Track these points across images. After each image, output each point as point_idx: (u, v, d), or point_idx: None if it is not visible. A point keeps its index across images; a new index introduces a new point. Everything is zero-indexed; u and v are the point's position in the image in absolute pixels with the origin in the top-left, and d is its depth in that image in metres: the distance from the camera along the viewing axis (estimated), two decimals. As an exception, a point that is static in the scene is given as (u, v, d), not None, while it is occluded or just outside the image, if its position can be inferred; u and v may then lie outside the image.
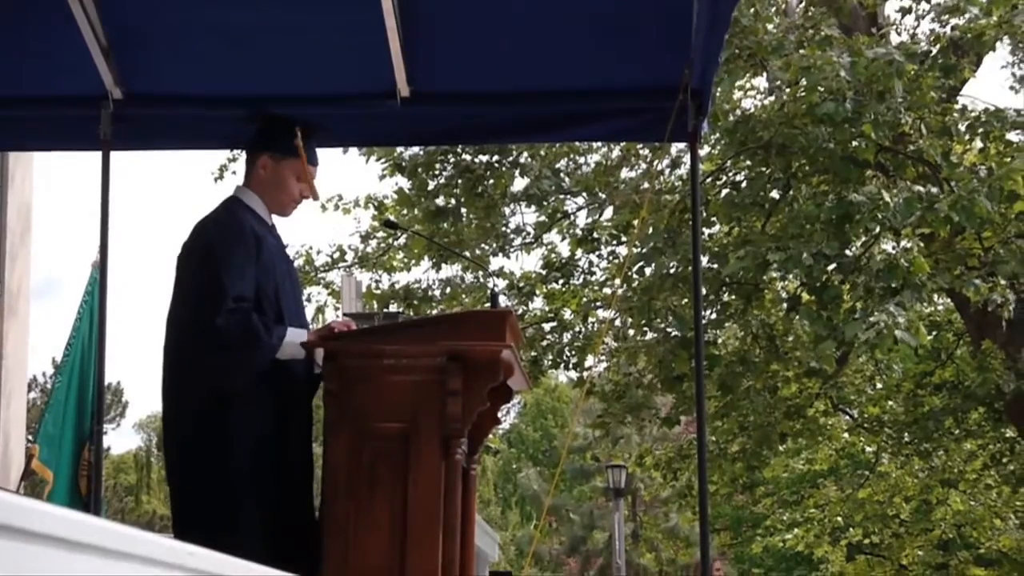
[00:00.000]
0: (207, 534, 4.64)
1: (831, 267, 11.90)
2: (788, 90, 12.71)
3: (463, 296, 15.57)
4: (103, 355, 7.16)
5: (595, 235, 15.20)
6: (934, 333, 17.60)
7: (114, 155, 6.80)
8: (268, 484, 4.88)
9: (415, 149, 14.49)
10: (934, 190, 11.75)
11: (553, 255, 15.73)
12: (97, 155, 6.80)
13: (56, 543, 1.89)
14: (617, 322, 14.92)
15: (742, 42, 12.85)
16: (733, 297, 13.80)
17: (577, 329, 15.61)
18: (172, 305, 5.08)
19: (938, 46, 13.16)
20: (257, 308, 4.96)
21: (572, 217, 15.82)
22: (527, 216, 15.63)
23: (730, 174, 13.88)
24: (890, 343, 10.96)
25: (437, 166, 14.76)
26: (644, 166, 15.31)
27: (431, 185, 14.80)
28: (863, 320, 11.15)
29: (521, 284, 15.51)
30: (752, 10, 13.01)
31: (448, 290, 15.58)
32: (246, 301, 4.93)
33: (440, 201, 14.88)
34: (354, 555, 4.74)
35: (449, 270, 15.62)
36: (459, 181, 14.72)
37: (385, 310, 15.23)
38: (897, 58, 11.49)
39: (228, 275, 4.93)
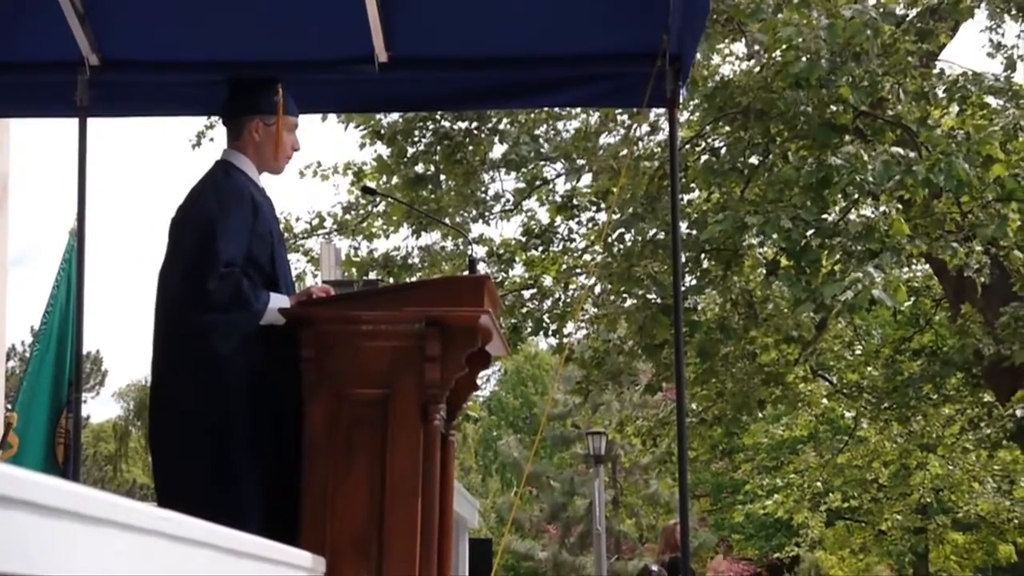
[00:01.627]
0: (195, 496, 4.66)
1: (810, 231, 11.91)
2: (766, 55, 12.71)
3: (443, 264, 15.55)
4: (81, 323, 7.14)
5: (575, 202, 15.20)
6: (912, 299, 17.65)
7: (91, 122, 6.77)
8: (258, 446, 4.89)
9: (393, 116, 14.46)
10: (912, 154, 11.76)
11: (533, 222, 15.72)
12: (74, 122, 6.78)
13: (32, 508, 1.89)
14: (597, 289, 14.93)
15: (719, 6, 12.84)
16: (713, 263, 13.81)
17: (557, 296, 15.61)
18: (165, 266, 5.09)
19: (915, 10, 13.17)
20: (246, 273, 4.97)
21: (551, 184, 15.81)
22: (506, 183, 15.62)
23: (709, 140, 13.87)
24: (867, 303, 10.98)
25: (416, 133, 14.72)
26: (623, 132, 15.29)
27: (410, 152, 14.77)
28: (841, 281, 11.17)
29: (501, 251, 15.51)
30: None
31: (428, 258, 15.56)
32: (236, 266, 4.94)
33: (419, 168, 14.85)
34: (332, 520, 4.74)
35: (428, 237, 15.62)
36: (438, 148, 14.69)
37: (364, 278, 15.20)
38: (873, 15, 11.49)
39: (222, 240, 4.96)
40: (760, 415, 18.05)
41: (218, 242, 4.95)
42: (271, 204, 5.32)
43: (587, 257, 15.38)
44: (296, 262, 15.88)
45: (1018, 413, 13.65)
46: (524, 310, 15.51)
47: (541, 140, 15.14)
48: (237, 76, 5.53)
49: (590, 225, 15.48)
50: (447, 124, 14.70)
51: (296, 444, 4.87)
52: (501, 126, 14.87)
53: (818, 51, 11.59)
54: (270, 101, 5.32)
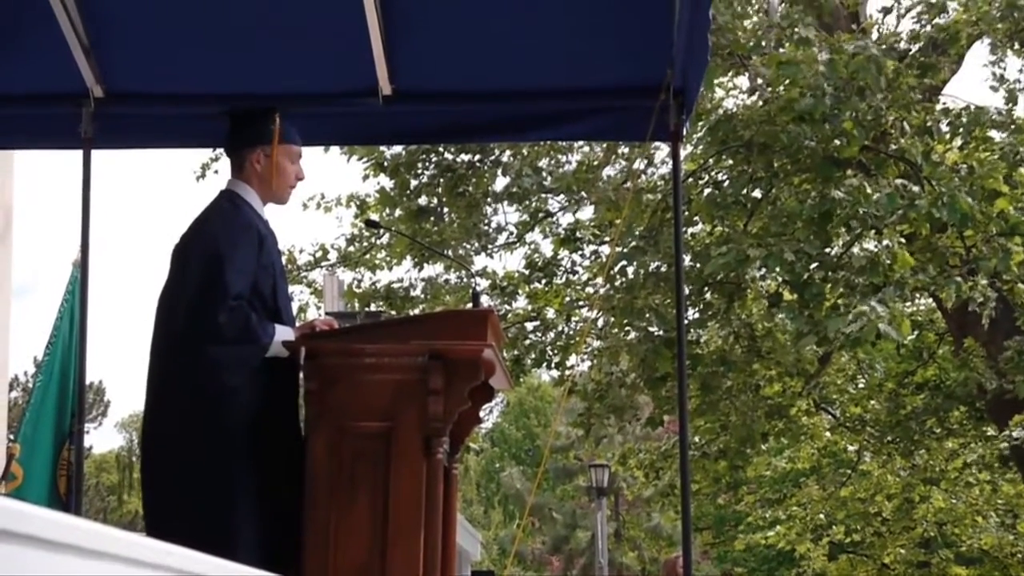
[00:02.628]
0: (191, 526, 4.63)
1: (813, 265, 11.91)
2: (769, 89, 12.73)
3: (445, 296, 15.56)
4: (84, 354, 7.14)
5: (578, 234, 15.21)
6: (916, 332, 17.63)
7: (95, 153, 6.79)
8: (256, 480, 4.87)
9: (397, 148, 14.49)
10: (915, 188, 11.77)
11: (536, 255, 15.72)
12: (78, 154, 6.79)
13: (36, 543, 1.89)
14: (600, 322, 14.92)
15: (719, 40, 12.87)
16: (715, 296, 13.81)
17: (560, 328, 15.61)
18: (168, 295, 5.05)
19: (917, 45, 13.21)
20: (252, 305, 4.96)
21: (555, 216, 15.82)
22: (509, 216, 15.63)
23: (712, 173, 13.89)
24: (872, 336, 10.96)
25: (419, 165, 14.75)
26: (626, 164, 15.32)
27: (413, 184, 14.79)
28: (845, 315, 11.16)
29: (504, 284, 15.51)
30: (731, 9, 13.04)
31: (430, 290, 15.57)
32: (244, 299, 4.93)
33: (422, 200, 14.87)
34: (335, 554, 4.73)
35: (431, 270, 15.62)
36: (441, 180, 14.71)
37: (367, 309, 15.21)
38: (874, 52, 11.52)
39: (230, 272, 4.94)
40: (763, 448, 18.02)
41: (226, 274, 4.93)
42: (274, 237, 5.31)
43: (590, 290, 15.37)
44: (299, 294, 15.89)
45: (1015, 435, 13.62)
46: (527, 342, 15.50)
47: (544, 173, 15.16)
48: (235, 108, 5.51)
49: (593, 258, 15.49)
50: (450, 156, 14.73)
51: (298, 477, 4.85)
52: (504, 159, 14.89)
53: (820, 87, 11.61)
54: (267, 130, 5.30)
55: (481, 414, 5.48)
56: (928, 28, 13.28)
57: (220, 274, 4.93)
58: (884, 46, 11.90)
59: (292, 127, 5.39)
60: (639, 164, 14.95)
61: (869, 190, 11.34)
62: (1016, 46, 13.95)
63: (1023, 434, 13.48)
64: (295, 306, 15.77)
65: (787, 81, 11.97)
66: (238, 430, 4.86)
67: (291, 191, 5.39)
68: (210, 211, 5.22)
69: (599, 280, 14.81)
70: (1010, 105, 13.05)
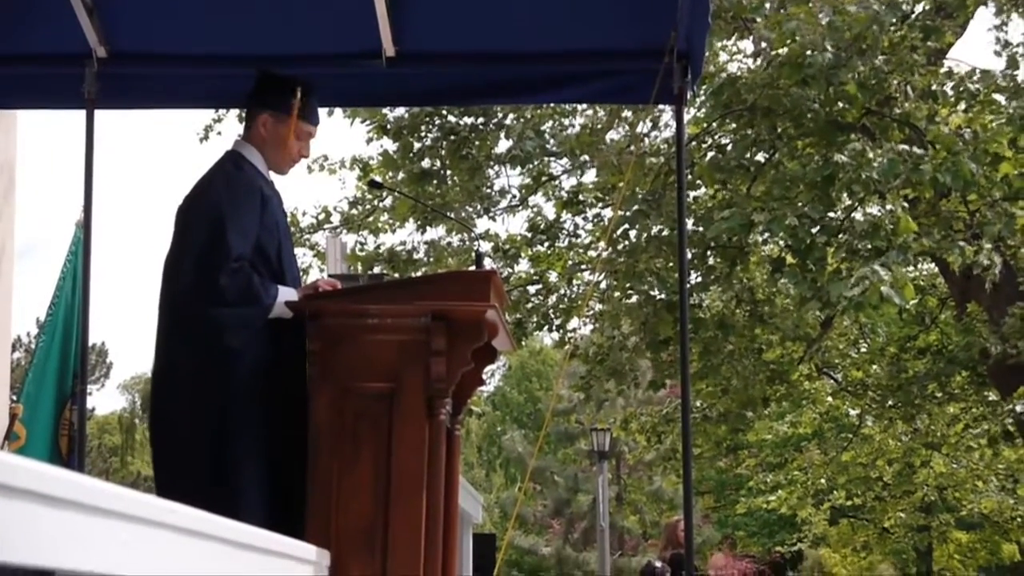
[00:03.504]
0: (196, 486, 4.65)
1: (816, 229, 11.89)
2: (773, 52, 12.70)
3: (448, 259, 15.55)
4: (87, 315, 7.15)
5: (580, 197, 15.19)
6: (919, 297, 17.65)
7: (98, 113, 6.78)
8: (263, 440, 4.88)
9: (400, 111, 14.46)
10: (919, 152, 11.75)
11: (539, 218, 15.71)
12: (81, 113, 6.79)
13: (37, 499, 1.89)
14: (603, 285, 14.92)
15: (722, 3, 12.84)
16: (718, 260, 13.80)
17: (562, 292, 15.61)
18: (172, 257, 5.06)
19: (921, 7, 13.16)
20: (254, 266, 4.96)
21: (558, 180, 15.81)
22: (512, 179, 15.63)
23: (715, 137, 13.86)
24: (875, 300, 10.94)
25: (422, 128, 14.72)
26: (629, 128, 15.29)
27: (416, 147, 14.77)
28: (848, 279, 11.15)
29: (506, 246, 15.51)
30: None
31: (433, 252, 15.57)
32: (246, 259, 4.94)
33: (425, 163, 14.85)
34: (337, 514, 4.74)
35: (434, 232, 15.61)
36: (444, 143, 14.69)
37: (370, 272, 15.20)
38: (875, 7, 11.48)
39: (233, 233, 4.94)
40: (764, 412, 18.05)
41: (228, 235, 4.93)
42: (279, 197, 5.30)
43: (592, 253, 15.37)
44: (302, 256, 15.88)
45: (1019, 408, 13.63)
46: (529, 305, 15.51)
47: (547, 136, 15.14)
48: (264, 70, 5.49)
49: (596, 221, 15.48)
50: (453, 119, 14.71)
51: (302, 437, 4.87)
52: (507, 121, 14.87)
53: (822, 45, 11.58)
54: (283, 100, 5.28)
55: (483, 376, 5.48)
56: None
57: (222, 236, 4.93)
58: (886, 6, 11.84)
59: (313, 105, 5.37)
60: (643, 127, 14.93)
61: (871, 154, 11.31)
62: (1021, 10, 13.91)
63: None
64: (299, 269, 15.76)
65: (788, 41, 11.93)
66: (241, 391, 4.87)
67: (292, 165, 5.37)
68: (213, 172, 5.22)
69: (602, 243, 14.80)
70: (1012, 70, 13.01)
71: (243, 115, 5.48)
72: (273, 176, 5.34)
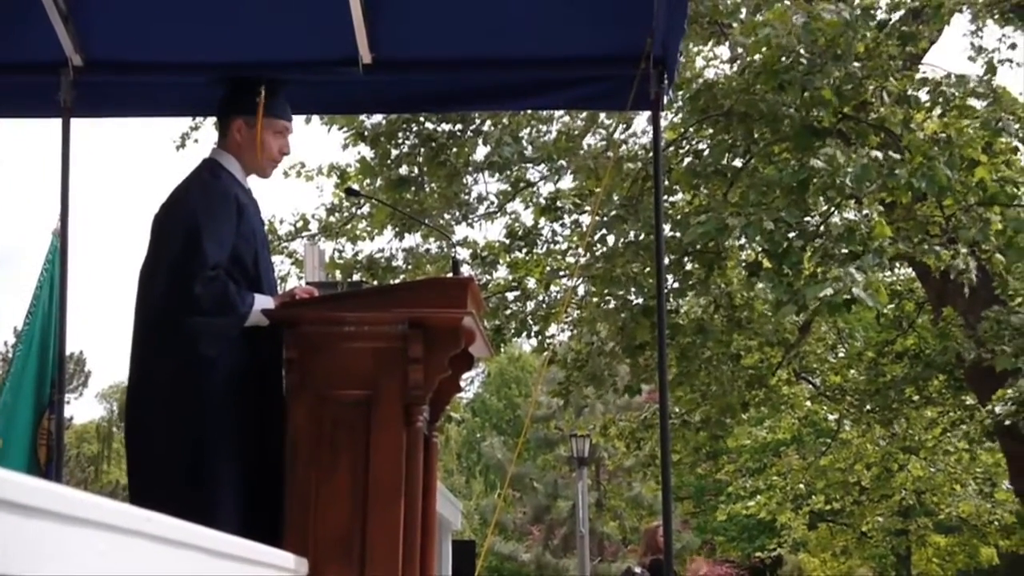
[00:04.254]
0: (170, 495, 4.64)
1: (792, 234, 11.92)
2: (748, 58, 12.73)
3: (427, 266, 15.55)
4: (64, 324, 7.13)
5: (558, 204, 15.20)
6: (895, 301, 17.69)
7: (74, 122, 6.76)
8: (239, 448, 4.88)
9: (377, 118, 14.46)
10: (895, 156, 11.79)
11: (517, 224, 15.71)
12: (57, 122, 6.77)
13: (13, 508, 1.89)
14: (580, 290, 14.94)
15: (698, 7, 12.87)
16: (695, 265, 13.82)
17: (540, 298, 15.62)
18: (147, 266, 5.06)
19: (898, 14, 13.20)
20: (230, 275, 4.96)
21: (535, 186, 15.82)
22: (490, 185, 15.63)
23: (692, 142, 13.89)
24: (846, 302, 10.98)
25: (399, 135, 14.72)
26: (606, 134, 15.31)
27: (393, 154, 14.76)
28: (823, 282, 11.17)
29: (484, 253, 15.50)
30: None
31: (411, 260, 15.56)
32: (222, 268, 4.93)
33: (403, 170, 14.85)
34: (315, 521, 4.74)
35: (412, 239, 15.60)
36: (421, 150, 14.69)
37: (348, 280, 15.19)
38: (847, 17, 11.51)
39: (208, 241, 4.94)
40: (743, 418, 18.07)
41: (204, 244, 4.93)
42: (256, 205, 5.30)
43: (570, 259, 15.38)
44: (280, 264, 15.86)
45: (997, 410, 13.66)
46: (508, 312, 15.51)
47: (524, 142, 15.15)
48: (229, 76, 5.50)
49: (573, 227, 15.49)
50: (431, 126, 14.71)
51: (278, 446, 4.86)
52: (485, 128, 14.87)
53: (795, 50, 11.62)
54: (252, 102, 5.30)
55: (462, 383, 5.49)
56: (909, -2, 13.28)
57: (198, 244, 4.93)
58: (860, 12, 11.88)
59: (280, 101, 5.38)
60: (619, 133, 14.95)
61: (842, 159, 11.33)
62: (996, 15, 13.97)
63: (1005, 409, 13.50)
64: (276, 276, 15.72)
65: (764, 48, 11.96)
66: (217, 400, 4.86)
67: (273, 165, 5.38)
68: (189, 181, 5.22)
69: (580, 249, 14.81)
70: (988, 76, 13.05)
71: (218, 123, 5.49)
72: (252, 183, 5.34)
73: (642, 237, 13.14)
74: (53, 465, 7.94)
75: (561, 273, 15.53)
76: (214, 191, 5.13)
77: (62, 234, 7.00)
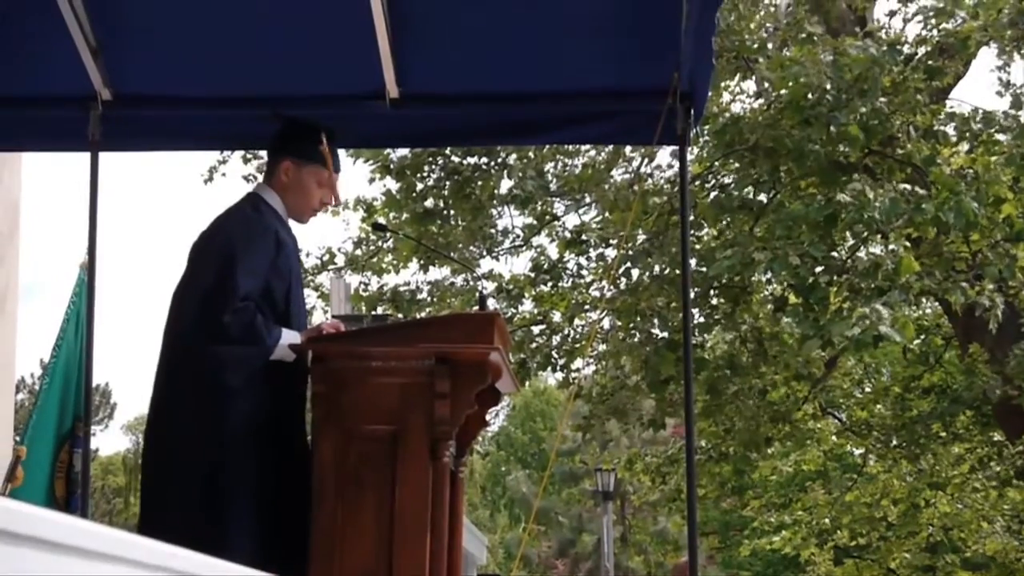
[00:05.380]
0: (185, 526, 4.61)
1: (818, 269, 11.90)
2: (774, 93, 12.73)
3: (452, 299, 15.55)
4: (91, 357, 7.14)
5: (583, 237, 15.19)
6: (922, 337, 17.62)
7: (103, 156, 6.79)
8: (257, 479, 4.87)
9: (403, 151, 14.48)
10: (922, 192, 11.77)
11: (542, 257, 15.70)
12: (86, 156, 6.80)
13: (38, 544, 1.88)
14: (606, 324, 14.91)
15: (724, 43, 12.87)
16: (721, 300, 13.80)
17: (566, 332, 15.59)
18: (179, 291, 5.08)
19: (924, 48, 13.20)
20: (260, 308, 4.96)
21: (560, 220, 15.82)
22: (516, 219, 15.63)
23: (718, 176, 13.88)
24: (873, 340, 10.94)
25: (425, 168, 14.74)
26: (633, 168, 15.32)
27: (419, 187, 14.79)
28: (849, 318, 11.14)
29: (510, 287, 15.49)
30: (735, 12, 13.06)
31: (436, 293, 15.56)
32: (252, 300, 4.93)
33: (428, 203, 14.87)
34: (341, 556, 4.73)
35: (437, 272, 15.61)
36: (447, 183, 14.71)
37: (373, 312, 15.19)
38: (874, 53, 11.50)
39: (242, 273, 4.95)
40: (769, 452, 18.01)
41: (237, 274, 4.94)
42: (295, 242, 5.30)
43: (595, 293, 15.36)
44: (306, 297, 15.85)
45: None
46: (533, 345, 15.48)
47: (549, 176, 15.16)
48: (284, 115, 5.49)
49: (599, 261, 15.47)
50: (456, 159, 14.73)
51: (302, 480, 4.85)
52: (510, 161, 14.88)
53: (822, 86, 11.62)
54: (307, 145, 5.28)
55: (488, 417, 5.48)
56: (935, 32, 13.27)
57: (231, 275, 4.94)
58: (886, 47, 11.88)
59: (336, 152, 5.38)
60: (646, 167, 14.94)
61: (871, 194, 11.32)
62: (1023, 50, 13.94)
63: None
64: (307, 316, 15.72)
65: (790, 83, 11.97)
66: (238, 430, 4.86)
67: (312, 214, 5.37)
68: (231, 212, 5.24)
69: (604, 282, 14.80)
70: (1016, 111, 13.03)
71: (245, 156, 5.51)
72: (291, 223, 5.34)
73: (667, 271, 13.13)
74: (77, 497, 7.94)
75: (586, 307, 15.50)
76: (254, 224, 5.13)
77: (90, 267, 7.02)
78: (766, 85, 13.17)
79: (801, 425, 17.23)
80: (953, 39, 12.95)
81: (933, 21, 13.34)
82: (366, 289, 15.72)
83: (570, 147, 15.03)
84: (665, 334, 13.56)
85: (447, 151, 14.49)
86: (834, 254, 12.21)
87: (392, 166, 14.69)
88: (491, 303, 14.34)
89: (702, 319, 13.94)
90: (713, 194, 13.56)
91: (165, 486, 4.96)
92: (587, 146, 14.94)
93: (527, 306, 15.83)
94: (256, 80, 6.60)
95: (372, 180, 14.97)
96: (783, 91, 12.27)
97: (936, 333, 17.79)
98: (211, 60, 6.59)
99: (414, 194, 14.78)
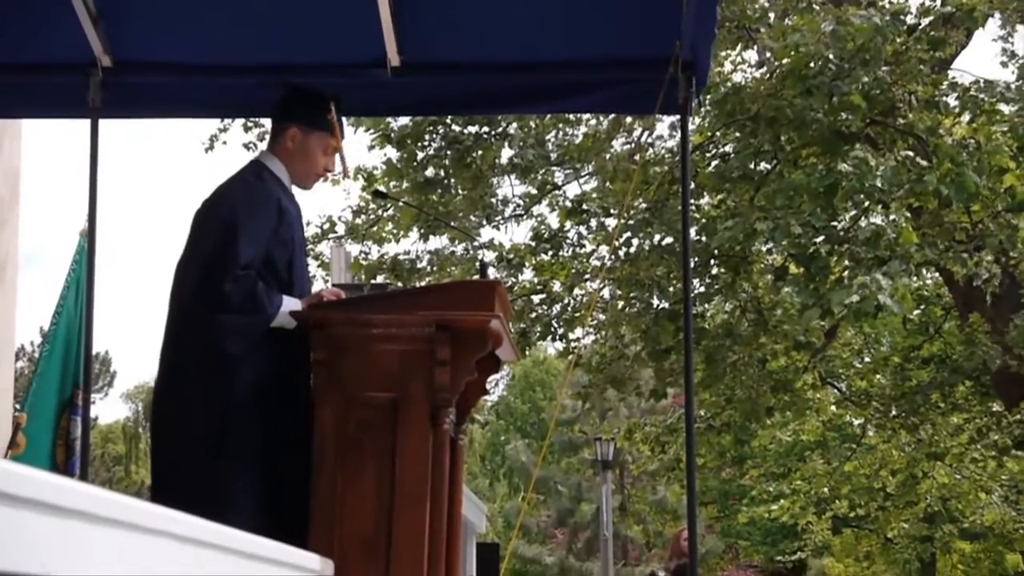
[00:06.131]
0: (191, 494, 4.64)
1: (819, 238, 11.90)
2: (776, 63, 12.71)
3: (452, 268, 15.54)
4: (91, 324, 7.15)
5: (584, 206, 15.18)
6: (922, 307, 17.64)
7: (103, 123, 6.78)
8: (260, 446, 4.88)
9: (404, 120, 14.46)
10: (923, 163, 11.76)
11: (542, 227, 15.69)
12: (86, 123, 6.79)
13: (41, 508, 1.89)
14: (606, 294, 14.92)
15: (726, 12, 12.85)
16: (721, 269, 13.80)
17: (566, 301, 15.60)
18: (182, 261, 5.09)
19: (928, 18, 13.17)
20: (262, 276, 4.96)
21: (561, 189, 15.80)
22: (517, 188, 15.61)
23: (719, 146, 13.87)
24: (873, 309, 10.95)
25: (426, 137, 14.72)
26: (633, 138, 15.30)
27: (419, 156, 14.77)
28: (849, 287, 11.15)
29: (510, 256, 15.48)
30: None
31: (436, 262, 15.56)
32: (253, 268, 4.94)
33: (429, 172, 14.85)
34: (341, 523, 4.74)
35: (437, 242, 15.60)
36: (447, 152, 14.69)
37: (373, 281, 15.20)
38: (877, 23, 11.47)
39: (243, 241, 4.95)
40: (768, 422, 18.04)
41: (239, 244, 4.94)
42: (298, 210, 5.30)
43: (595, 262, 15.36)
44: (307, 266, 15.83)
45: (1024, 418, 13.63)
46: (533, 315, 15.49)
47: (550, 145, 15.14)
48: (293, 82, 5.49)
49: (599, 229, 15.46)
50: (457, 128, 14.70)
51: (303, 447, 4.86)
52: (511, 130, 14.86)
53: (824, 55, 11.59)
54: (312, 114, 5.29)
55: (488, 386, 5.48)
56: (938, 2, 13.23)
57: (232, 243, 4.94)
58: (889, 17, 11.85)
59: (341, 120, 5.38)
60: (646, 137, 14.93)
61: (873, 162, 11.31)
62: (1026, 20, 13.92)
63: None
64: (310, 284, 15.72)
65: (791, 52, 11.94)
66: (240, 398, 4.87)
67: (316, 180, 5.38)
68: (233, 180, 5.24)
69: (604, 250, 14.80)
70: (1020, 81, 13.00)
71: (246, 124, 5.50)
72: (295, 190, 5.34)
73: (667, 241, 13.13)
74: (75, 464, 7.97)
75: (586, 276, 15.51)
76: (256, 192, 5.13)
77: (90, 235, 7.01)
78: (768, 54, 13.14)
79: (801, 395, 17.25)
80: (958, 10, 12.91)
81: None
82: (366, 258, 15.72)
83: (571, 116, 15.00)
84: (665, 304, 13.57)
85: (448, 120, 14.47)
86: (835, 223, 12.21)
87: (393, 135, 14.67)
88: (492, 271, 14.33)
89: (702, 289, 13.95)
90: (714, 163, 13.55)
91: (171, 454, 4.98)
92: (588, 115, 14.91)
93: (527, 275, 15.83)
94: (257, 48, 6.60)
95: (372, 148, 14.96)
96: (784, 60, 12.24)
97: (936, 303, 17.81)
98: (211, 27, 6.58)
99: (415, 163, 14.76)
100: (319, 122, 5.28)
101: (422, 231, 15.22)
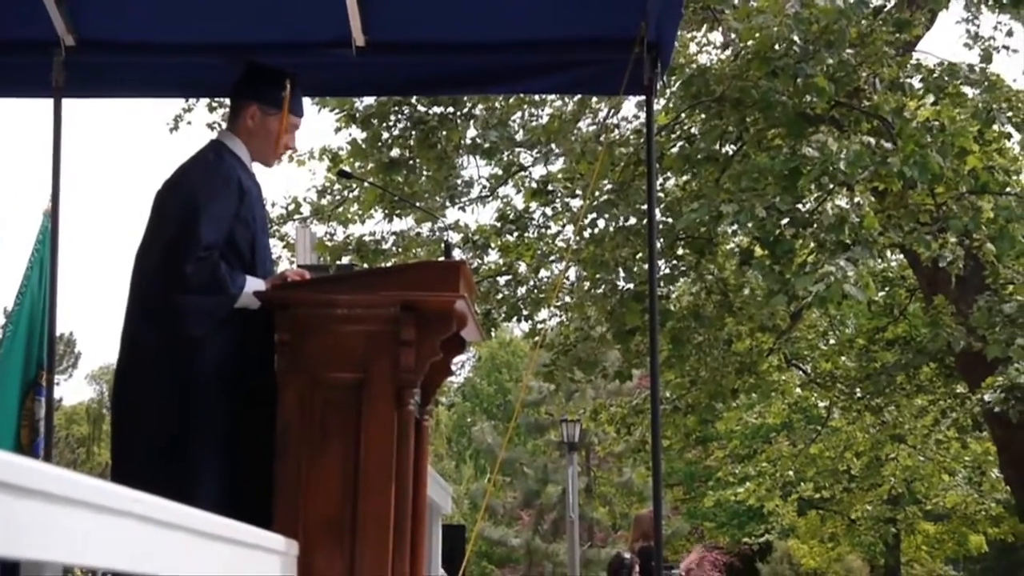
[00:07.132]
0: (153, 476, 4.60)
1: (784, 221, 11.91)
2: (741, 44, 12.72)
3: (417, 249, 15.51)
4: (54, 305, 7.12)
5: (550, 187, 15.17)
6: (887, 289, 17.70)
7: (66, 102, 6.74)
8: (223, 429, 4.87)
9: (368, 100, 14.42)
10: (887, 145, 11.78)
11: (508, 208, 15.67)
12: (49, 102, 6.75)
13: (7, 489, 1.87)
14: (572, 275, 14.92)
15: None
16: (686, 251, 13.82)
17: (531, 282, 15.59)
18: (144, 243, 5.07)
19: (893, 0, 13.19)
20: (225, 257, 4.94)
21: (527, 170, 15.78)
22: (482, 169, 15.60)
23: (684, 127, 13.87)
24: (838, 296, 10.98)
25: (391, 117, 14.67)
26: (599, 119, 15.29)
27: (384, 136, 14.72)
28: (813, 273, 11.18)
29: (476, 237, 15.46)
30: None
31: (402, 243, 15.51)
32: (215, 249, 4.92)
33: (394, 153, 14.80)
34: (305, 504, 4.73)
35: (403, 223, 15.56)
36: (412, 132, 14.64)
37: (338, 263, 15.16)
38: (841, 5, 11.48)
39: (205, 223, 4.94)
40: (733, 404, 18.08)
41: (200, 225, 4.93)
42: (259, 190, 5.29)
43: (561, 243, 15.35)
44: (272, 247, 15.76)
45: (987, 398, 13.66)
46: (499, 296, 15.48)
47: (515, 126, 15.11)
48: (250, 60, 5.48)
49: (565, 210, 15.46)
50: (422, 109, 14.66)
51: (266, 428, 4.85)
52: (476, 111, 14.83)
53: (788, 38, 11.60)
54: (272, 92, 5.28)
55: (453, 367, 5.48)
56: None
57: (194, 224, 4.92)
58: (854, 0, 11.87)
59: (299, 97, 5.37)
60: (610, 118, 14.92)
61: (835, 146, 11.32)
62: (990, 2, 13.95)
63: (995, 397, 13.50)
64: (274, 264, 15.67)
65: (756, 34, 11.95)
66: (202, 380, 4.86)
67: (277, 159, 5.37)
68: (193, 161, 5.21)
69: (569, 229, 14.80)
70: (984, 65, 13.03)
71: (211, 104, 5.48)
72: (256, 168, 5.32)
73: (632, 222, 13.13)
74: (39, 446, 7.93)
75: (552, 257, 15.50)
76: (217, 172, 5.11)
77: (53, 214, 6.98)
78: (733, 36, 13.14)
79: (766, 377, 17.30)
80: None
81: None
82: (331, 239, 15.67)
83: (536, 97, 14.98)
84: (631, 285, 13.58)
85: (413, 100, 14.42)
86: (800, 206, 12.22)
87: (357, 115, 14.62)
88: (457, 252, 14.31)
89: (667, 270, 13.95)
90: (680, 145, 13.55)
91: (133, 436, 4.96)
92: (553, 96, 14.89)
93: (493, 256, 15.81)
94: (221, 27, 6.57)
95: (338, 129, 14.91)
96: (750, 42, 12.25)
97: (901, 285, 17.87)
98: (175, 6, 6.55)
99: (379, 143, 14.71)
100: (277, 100, 5.26)
101: (387, 212, 15.17)
